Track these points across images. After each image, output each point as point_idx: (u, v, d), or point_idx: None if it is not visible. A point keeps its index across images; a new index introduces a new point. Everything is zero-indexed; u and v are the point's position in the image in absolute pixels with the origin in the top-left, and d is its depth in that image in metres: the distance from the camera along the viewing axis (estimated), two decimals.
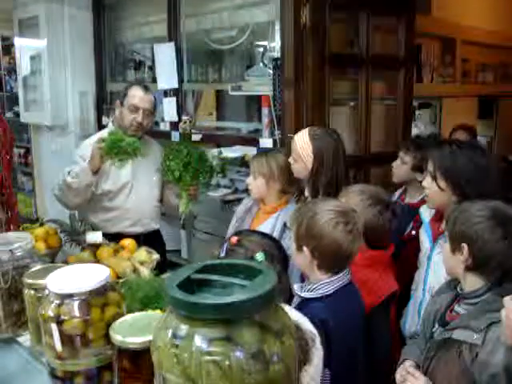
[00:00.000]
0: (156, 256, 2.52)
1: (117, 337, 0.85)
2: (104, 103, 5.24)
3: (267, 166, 2.77)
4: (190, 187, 3.02)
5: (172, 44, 4.23)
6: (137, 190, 3.23)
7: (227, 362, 0.60)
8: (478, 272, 1.71)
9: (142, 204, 3.26)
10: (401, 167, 3.20)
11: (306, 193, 2.61)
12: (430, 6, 5.16)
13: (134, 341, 0.83)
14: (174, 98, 4.32)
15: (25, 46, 5.29)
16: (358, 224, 1.84)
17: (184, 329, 0.62)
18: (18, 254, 1.19)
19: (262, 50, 3.99)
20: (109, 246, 2.58)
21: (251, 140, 3.93)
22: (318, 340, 1.58)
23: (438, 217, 2.29)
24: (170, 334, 0.63)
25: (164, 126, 4.46)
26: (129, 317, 0.93)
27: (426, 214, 2.38)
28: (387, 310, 2.14)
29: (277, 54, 3.59)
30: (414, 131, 5.03)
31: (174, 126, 4.36)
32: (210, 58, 4.43)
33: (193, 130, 4.28)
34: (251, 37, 3.82)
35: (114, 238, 2.77)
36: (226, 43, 4.08)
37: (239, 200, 3.94)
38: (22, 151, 7.06)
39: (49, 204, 5.45)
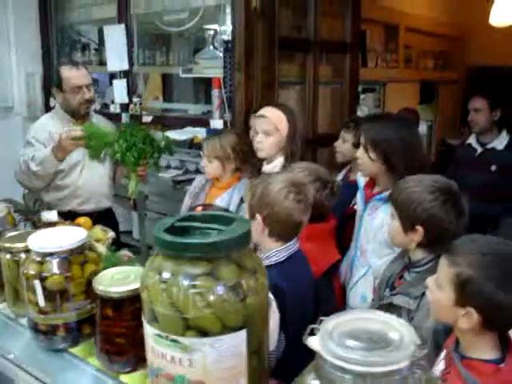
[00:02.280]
0: (111, 233, 2.57)
1: (100, 287, 0.93)
2: (52, 85, 5.18)
3: (221, 148, 2.86)
4: (137, 168, 3.03)
5: (122, 26, 4.23)
6: (88, 168, 3.25)
7: (210, 294, 0.70)
8: (429, 247, 1.85)
9: (94, 182, 3.28)
10: (342, 146, 3.35)
11: (268, 168, 2.71)
12: None
13: (116, 290, 0.91)
14: (125, 80, 4.32)
15: None
16: (309, 196, 1.96)
17: (171, 267, 0.71)
18: None
19: (212, 33, 4.04)
20: (64, 224, 2.61)
21: (202, 121, 4.00)
22: (274, 304, 1.70)
23: (371, 184, 2.47)
24: (157, 274, 0.73)
25: (114, 108, 4.46)
26: (109, 271, 1.01)
27: (361, 180, 2.57)
28: (330, 278, 2.29)
29: (227, 38, 3.67)
30: (359, 114, 5.21)
31: (125, 108, 4.38)
32: (160, 40, 4.47)
33: (143, 112, 4.34)
34: (202, 20, 3.86)
35: (67, 216, 2.79)
36: (177, 26, 4.11)
37: (190, 180, 4.01)
38: None
39: None
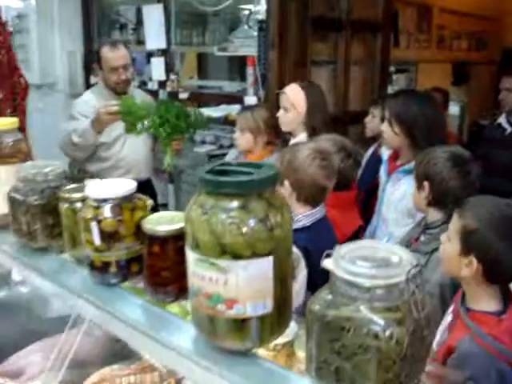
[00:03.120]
0: (150, 201, 2.71)
1: (148, 226, 1.08)
2: (92, 63, 5.37)
3: (253, 121, 2.99)
4: (171, 142, 3.16)
5: (161, 5, 4.38)
6: (130, 141, 3.42)
7: (243, 225, 0.84)
8: (438, 207, 1.99)
9: (135, 154, 3.45)
10: (371, 121, 3.46)
11: (293, 142, 2.84)
12: None
13: (162, 229, 1.07)
14: (163, 58, 4.49)
15: (11, 5, 5.37)
16: (333, 163, 2.10)
17: (211, 202, 0.85)
18: (51, 176, 1.42)
19: (247, 12, 4.16)
20: None
21: (236, 98, 4.14)
22: (302, 262, 1.84)
23: (394, 156, 2.58)
24: (200, 208, 0.87)
25: (152, 85, 4.63)
26: (156, 215, 1.16)
27: (385, 153, 2.70)
28: None
29: (262, 17, 3.78)
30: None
31: (162, 85, 4.54)
32: (196, 20, 4.61)
33: (180, 89, 4.50)
34: (237, 0, 3.99)
35: None
36: (213, 5, 4.25)
37: (224, 155, 4.18)
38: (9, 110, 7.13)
39: (40, 158, 5.59)
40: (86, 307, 1.16)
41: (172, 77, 4.53)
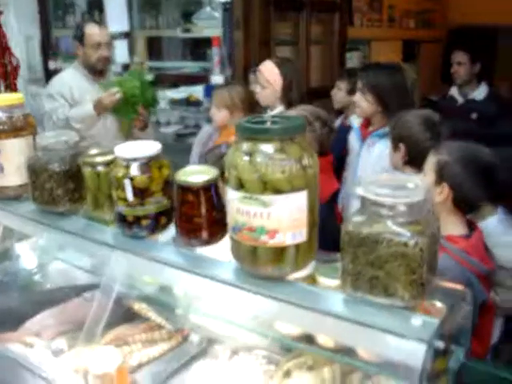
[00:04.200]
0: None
1: (182, 178, 1.22)
2: (50, 48, 5.35)
3: (229, 98, 3.13)
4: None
5: None
6: (104, 122, 3.46)
7: (282, 164, 0.99)
8: (413, 165, 2.19)
9: (108, 134, 3.50)
10: (338, 93, 3.65)
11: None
12: None
13: (195, 180, 1.20)
14: (126, 41, 4.54)
15: None
16: (315, 130, 2.28)
17: (254, 147, 0.99)
18: (70, 144, 1.52)
19: None
20: None
21: (200, 78, 4.26)
22: None
23: (366, 123, 2.82)
24: (243, 152, 1.01)
25: (115, 68, 4.67)
26: (184, 169, 1.29)
27: (355, 121, 2.94)
28: (332, 206, 2.60)
29: None
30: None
31: (126, 68, 4.60)
32: (159, 2, 4.66)
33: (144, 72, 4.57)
34: None
35: None
36: None
37: (191, 134, 4.31)
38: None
39: None
40: (121, 257, 1.29)
41: (136, 59, 4.60)
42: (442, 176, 1.80)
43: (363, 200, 0.94)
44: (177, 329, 1.71)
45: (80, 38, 3.45)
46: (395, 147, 2.26)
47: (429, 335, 0.91)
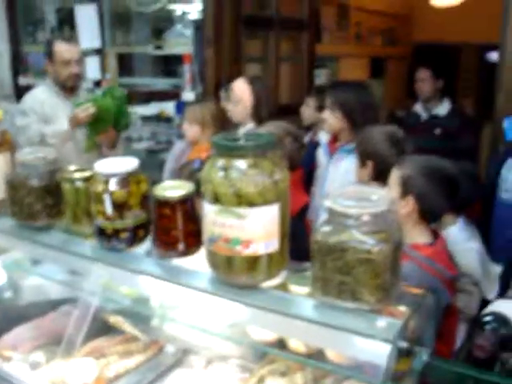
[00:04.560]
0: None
1: (159, 192, 1.27)
2: (20, 64, 5.35)
3: (201, 114, 3.19)
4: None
5: (94, 5, 4.47)
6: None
7: (255, 179, 1.06)
8: (379, 181, 2.27)
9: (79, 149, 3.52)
10: (306, 110, 3.75)
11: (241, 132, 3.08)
12: None
13: (172, 194, 1.26)
14: (97, 57, 4.57)
15: None
16: (285, 147, 2.36)
17: (228, 163, 1.06)
18: (48, 160, 1.57)
19: (180, 12, 4.33)
20: None
21: (171, 95, 4.32)
22: None
23: (334, 139, 2.91)
24: (218, 168, 1.08)
25: (87, 84, 4.70)
26: (162, 184, 1.35)
27: (323, 137, 3.04)
28: (302, 218, 2.67)
29: (196, 17, 3.99)
30: None
31: (97, 84, 4.63)
32: (130, 19, 4.72)
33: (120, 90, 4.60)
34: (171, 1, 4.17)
35: None
36: (146, 5, 4.39)
37: (163, 150, 4.36)
38: None
39: None
40: (101, 269, 1.33)
41: (107, 76, 4.64)
42: (406, 189, 1.89)
43: (331, 211, 1.01)
44: (153, 340, 1.76)
45: (49, 54, 3.46)
46: (362, 164, 2.35)
47: (392, 335, 0.99)
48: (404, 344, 1.04)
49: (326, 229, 1.02)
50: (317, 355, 1.29)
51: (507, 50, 3.04)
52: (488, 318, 1.20)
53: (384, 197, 1.01)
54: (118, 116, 3.27)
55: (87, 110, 3.11)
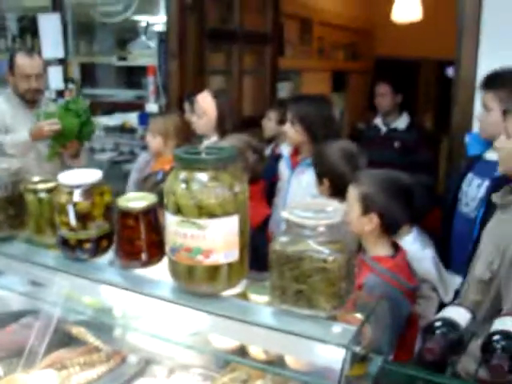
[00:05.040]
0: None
1: (123, 203, 1.30)
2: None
3: (164, 126, 3.22)
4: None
5: (57, 15, 4.46)
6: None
7: (215, 191, 1.10)
8: (338, 197, 2.33)
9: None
10: (268, 123, 3.81)
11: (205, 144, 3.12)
12: None
13: (135, 205, 1.29)
14: (60, 67, 4.56)
15: None
16: (247, 159, 2.41)
17: (190, 175, 1.10)
18: (11, 171, 1.57)
19: (144, 24, 4.36)
20: None
21: (135, 106, 4.33)
22: None
23: (295, 152, 2.97)
24: (180, 180, 1.11)
25: (50, 94, 4.67)
26: (125, 195, 1.37)
27: (285, 150, 3.09)
28: (264, 230, 2.71)
29: (161, 29, 4.02)
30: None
31: (60, 94, 4.61)
32: (94, 30, 4.72)
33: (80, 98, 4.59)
34: (135, 11, 4.19)
35: None
36: (110, 16, 4.40)
37: (126, 161, 4.36)
38: None
39: None
40: (64, 280, 1.35)
41: (70, 86, 4.62)
42: (368, 207, 1.91)
43: (288, 222, 1.06)
44: (115, 350, 1.77)
45: (11, 66, 3.44)
46: (320, 181, 2.41)
47: (347, 340, 1.04)
48: (358, 349, 1.08)
49: (284, 239, 1.06)
50: (277, 362, 1.33)
51: (462, 67, 3.16)
52: (438, 323, 1.26)
53: (338, 208, 1.06)
54: (81, 127, 3.26)
55: (53, 125, 3.09)
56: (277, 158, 3.34)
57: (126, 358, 1.77)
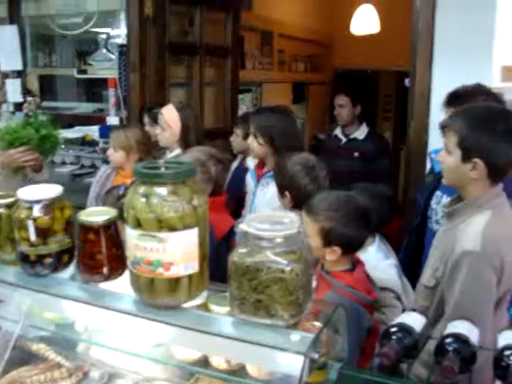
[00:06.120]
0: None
1: (84, 218, 1.31)
2: None
3: (125, 140, 3.21)
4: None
5: (15, 27, 4.41)
6: None
7: (175, 205, 1.12)
8: (299, 208, 2.36)
9: None
10: (236, 139, 3.84)
11: (169, 157, 3.13)
12: (252, 3, 5.90)
13: (96, 219, 1.30)
14: (19, 80, 4.50)
15: None
16: (210, 170, 2.43)
17: (149, 190, 1.12)
18: None
19: (105, 36, 4.35)
20: None
21: (96, 119, 4.31)
22: None
23: (260, 165, 2.99)
24: (140, 194, 1.13)
25: (7, 107, 4.61)
26: (86, 210, 1.38)
27: (251, 163, 3.12)
28: (228, 242, 2.73)
29: (121, 41, 4.02)
30: (240, 113, 5.72)
31: (18, 107, 4.55)
32: (53, 42, 4.69)
33: (38, 111, 4.54)
34: (95, 24, 4.18)
35: None
36: (70, 29, 4.38)
37: (87, 174, 4.32)
38: None
39: None
40: (25, 296, 1.35)
41: (29, 98, 4.57)
42: (330, 240, 1.90)
43: (246, 234, 1.08)
44: (77, 366, 1.76)
45: None
46: (281, 194, 2.44)
47: (305, 348, 1.07)
48: (317, 356, 1.12)
49: (242, 250, 1.09)
50: (239, 371, 1.36)
51: (417, 80, 3.25)
52: (394, 329, 1.31)
53: (295, 220, 1.09)
54: (43, 141, 3.22)
55: (25, 155, 3.03)
56: (245, 170, 3.37)
57: (89, 373, 1.75)
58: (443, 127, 1.85)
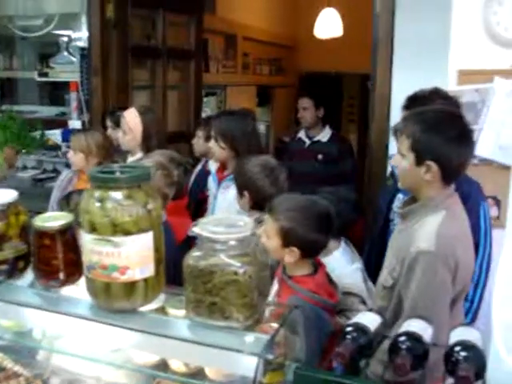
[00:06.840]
0: None
1: (39, 223, 1.29)
2: None
3: (85, 143, 3.18)
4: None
5: None
6: None
7: (129, 209, 1.12)
8: (258, 209, 2.39)
9: None
10: (197, 141, 3.84)
11: (130, 160, 3.11)
12: (215, 6, 5.91)
13: (51, 225, 1.29)
14: None
15: None
16: (172, 174, 2.43)
17: (104, 194, 1.12)
18: None
19: (66, 39, 4.30)
20: None
21: (58, 122, 4.26)
22: None
23: (222, 168, 3.01)
24: (95, 198, 1.13)
25: None
26: (41, 215, 1.37)
27: (212, 166, 3.14)
28: (190, 245, 2.73)
29: (83, 44, 3.98)
30: (203, 116, 5.73)
31: None
32: (13, 44, 4.61)
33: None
34: (56, 26, 4.13)
35: None
36: (30, 31, 4.32)
37: (49, 178, 4.26)
38: None
39: None
40: None
41: None
42: (288, 241, 1.92)
43: (201, 237, 1.10)
44: (36, 374, 1.74)
45: None
46: (240, 194, 2.46)
47: (260, 349, 1.08)
48: (272, 357, 1.13)
49: (197, 253, 1.10)
50: (198, 374, 1.37)
51: (377, 83, 3.31)
52: (349, 329, 1.33)
53: (249, 222, 1.11)
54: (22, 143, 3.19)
55: None
56: (207, 173, 3.37)
57: (48, 381, 1.74)
58: (396, 131, 1.88)
